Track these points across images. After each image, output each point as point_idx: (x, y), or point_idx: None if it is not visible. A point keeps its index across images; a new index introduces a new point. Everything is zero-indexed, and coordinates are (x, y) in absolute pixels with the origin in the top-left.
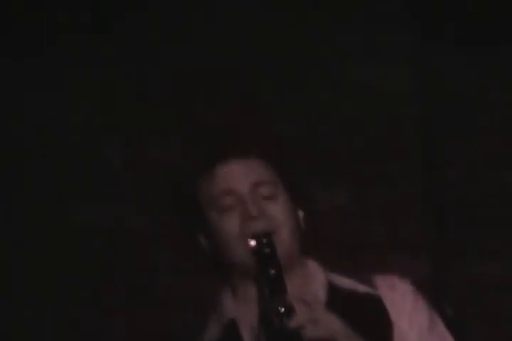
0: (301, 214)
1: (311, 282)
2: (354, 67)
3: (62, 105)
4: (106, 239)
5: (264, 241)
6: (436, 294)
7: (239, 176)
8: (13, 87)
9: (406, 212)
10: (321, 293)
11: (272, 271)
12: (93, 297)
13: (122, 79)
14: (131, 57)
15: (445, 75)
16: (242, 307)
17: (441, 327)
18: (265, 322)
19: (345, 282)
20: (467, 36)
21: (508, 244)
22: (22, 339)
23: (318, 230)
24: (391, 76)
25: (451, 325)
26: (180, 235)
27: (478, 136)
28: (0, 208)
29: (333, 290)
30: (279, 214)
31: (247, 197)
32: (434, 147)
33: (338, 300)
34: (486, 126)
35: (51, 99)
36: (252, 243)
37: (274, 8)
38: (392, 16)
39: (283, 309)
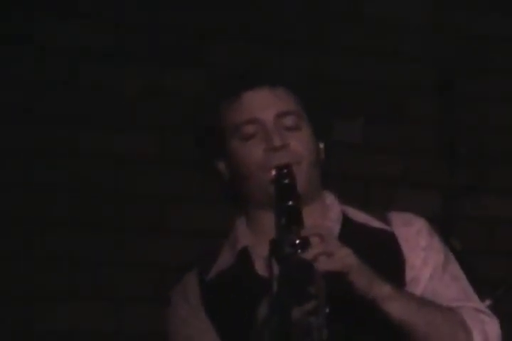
0: (321, 146)
1: (327, 214)
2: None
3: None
4: (118, 169)
5: (285, 171)
6: (446, 229)
7: (263, 105)
8: None
9: (419, 148)
10: (335, 225)
11: (290, 203)
12: (104, 229)
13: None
14: None
15: (462, 14)
16: (256, 237)
17: (455, 266)
18: (278, 253)
19: (360, 216)
20: None
21: None
22: None
23: (332, 163)
24: (411, 10)
25: (459, 259)
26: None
27: (492, 76)
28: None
29: (347, 223)
30: (302, 145)
31: (271, 126)
32: (449, 83)
33: (351, 234)
34: (501, 67)
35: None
36: (273, 173)
37: None
38: None
39: (298, 240)
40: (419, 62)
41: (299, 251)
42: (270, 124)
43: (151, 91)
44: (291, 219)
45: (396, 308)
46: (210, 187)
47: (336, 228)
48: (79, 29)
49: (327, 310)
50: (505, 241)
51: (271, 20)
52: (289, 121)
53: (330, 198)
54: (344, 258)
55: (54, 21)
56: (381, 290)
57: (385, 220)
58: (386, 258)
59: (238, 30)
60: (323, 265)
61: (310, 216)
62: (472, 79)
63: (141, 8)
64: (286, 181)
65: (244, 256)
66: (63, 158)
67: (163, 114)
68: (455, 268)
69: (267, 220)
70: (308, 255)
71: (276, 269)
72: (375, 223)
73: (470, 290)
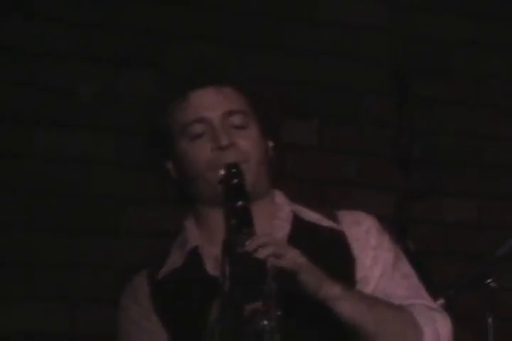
0: (270, 145)
1: (277, 213)
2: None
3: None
4: (71, 169)
5: (234, 170)
6: (398, 231)
7: (210, 104)
8: None
9: (374, 150)
10: (285, 224)
11: (239, 202)
12: (59, 229)
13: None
14: None
15: (417, 15)
16: (205, 237)
17: (405, 264)
18: (229, 253)
19: (310, 215)
20: None
21: (471, 185)
22: None
23: (285, 164)
24: (366, 12)
25: (411, 260)
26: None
27: (449, 79)
28: None
29: (297, 222)
30: (249, 143)
31: (218, 125)
32: (405, 86)
33: (301, 233)
34: (458, 69)
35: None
36: (221, 172)
37: None
38: None
39: (248, 241)
40: (375, 63)
41: (250, 251)
42: (217, 123)
43: (106, 92)
44: (241, 220)
45: (346, 308)
46: (163, 187)
47: (286, 227)
48: (34, 29)
49: (279, 313)
50: (458, 242)
51: (225, 20)
52: (236, 119)
53: (280, 197)
54: (294, 258)
55: (8, 21)
56: (331, 290)
57: (335, 219)
58: (336, 257)
59: (193, 31)
60: (273, 264)
61: (259, 214)
62: (428, 81)
63: (96, 9)
64: (235, 181)
65: (194, 256)
66: (18, 158)
67: (117, 115)
68: (405, 266)
69: (216, 220)
70: (258, 255)
71: (227, 269)
72: (325, 222)
73: (421, 288)
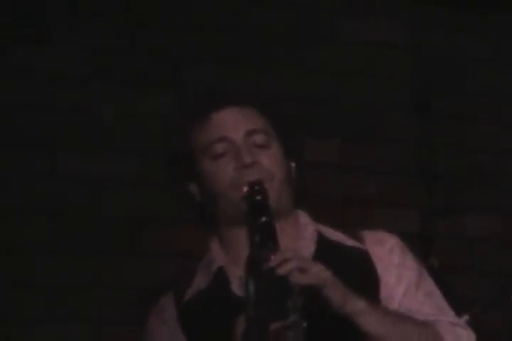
0: (293, 165)
1: (301, 233)
2: (346, 21)
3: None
4: (95, 192)
5: (257, 188)
6: (423, 248)
7: (233, 124)
8: None
9: (396, 168)
10: (310, 244)
11: (263, 218)
12: (81, 250)
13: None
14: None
15: (438, 33)
16: (231, 257)
17: (429, 282)
18: (253, 270)
19: (334, 234)
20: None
21: (493, 200)
22: None
23: (307, 183)
24: (388, 31)
25: (435, 277)
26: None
27: (470, 96)
28: None
29: (321, 241)
30: (272, 162)
31: (241, 144)
32: (427, 104)
33: (326, 252)
34: (478, 86)
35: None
36: (245, 190)
37: None
38: None
39: (272, 257)
40: (397, 82)
41: (274, 266)
42: (240, 142)
43: (128, 114)
44: (265, 235)
45: (371, 323)
46: (185, 208)
47: (311, 247)
48: (54, 52)
49: (304, 325)
50: (482, 258)
51: (245, 42)
52: (258, 138)
53: (304, 217)
54: (318, 272)
55: (30, 43)
56: (356, 305)
57: (359, 239)
58: (360, 276)
59: (213, 52)
60: (298, 279)
61: (283, 234)
62: (450, 100)
63: (116, 31)
64: (259, 197)
65: (220, 277)
66: (41, 180)
67: (140, 137)
68: (429, 284)
69: (241, 239)
70: (283, 270)
71: (252, 287)
72: (349, 242)
73: (445, 305)
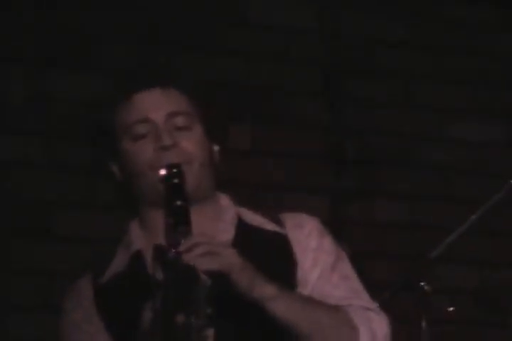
0: (216, 148)
1: (221, 216)
2: (256, 2)
3: None
4: (3, 174)
5: (174, 171)
6: (333, 233)
7: (154, 105)
8: None
9: (306, 152)
10: (230, 227)
11: (178, 202)
12: None
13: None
14: None
15: (347, 16)
16: (150, 239)
17: (346, 266)
18: (162, 255)
19: (255, 218)
20: None
21: (404, 186)
22: None
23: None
24: (297, 13)
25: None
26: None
27: (378, 78)
28: None
29: (241, 225)
30: (192, 145)
31: (162, 126)
32: (336, 89)
33: (245, 237)
34: (389, 69)
35: None
36: (162, 172)
37: None
38: None
39: (183, 240)
40: (306, 64)
41: (182, 251)
42: (161, 124)
43: (37, 94)
44: (178, 220)
45: (279, 308)
46: (97, 191)
47: (231, 231)
48: None
49: (208, 311)
50: (391, 243)
51: (159, 22)
52: (179, 121)
53: (225, 200)
54: (226, 257)
55: None
56: (264, 290)
57: (279, 222)
58: (279, 261)
59: (126, 31)
60: (204, 265)
61: (203, 217)
62: (359, 81)
63: (27, 9)
64: (176, 181)
65: (137, 259)
66: None
67: (48, 118)
68: (346, 267)
69: (159, 221)
70: (189, 256)
71: (160, 273)
72: (269, 226)
73: (360, 288)
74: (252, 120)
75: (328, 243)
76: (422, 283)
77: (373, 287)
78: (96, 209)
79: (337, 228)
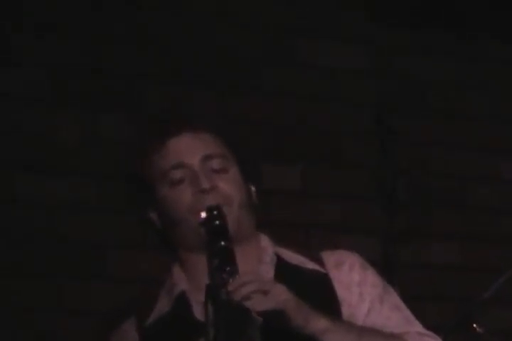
0: (253, 189)
1: (262, 256)
2: (311, 43)
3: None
4: (56, 215)
5: (215, 213)
6: (386, 275)
7: (189, 150)
8: None
9: (358, 194)
10: (269, 268)
11: (222, 243)
12: (46, 273)
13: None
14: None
15: (395, 57)
16: (192, 282)
17: (393, 296)
18: (212, 295)
19: (294, 258)
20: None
21: (455, 227)
22: None
23: (271, 209)
24: (344, 55)
25: None
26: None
27: (433, 121)
28: None
29: (281, 265)
30: (230, 187)
31: (198, 170)
32: (390, 127)
33: (285, 276)
34: (441, 112)
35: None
36: (203, 215)
37: None
38: None
39: (231, 280)
40: (360, 107)
41: (232, 291)
42: (197, 168)
43: (87, 137)
44: (223, 260)
45: (336, 339)
46: (147, 234)
47: (270, 270)
48: (16, 75)
49: None
50: (445, 285)
51: (202, 64)
52: (215, 163)
53: (264, 240)
54: (279, 295)
55: None
56: (319, 324)
57: (318, 261)
58: (321, 298)
59: (168, 74)
60: (258, 305)
61: (244, 258)
62: (414, 123)
63: (76, 54)
64: (217, 222)
65: (181, 302)
66: (1, 203)
67: (100, 160)
68: (394, 298)
69: (201, 264)
70: (243, 292)
71: (211, 312)
72: (309, 264)
73: (411, 317)
74: (304, 162)
75: (371, 275)
76: (475, 325)
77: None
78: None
79: (389, 270)
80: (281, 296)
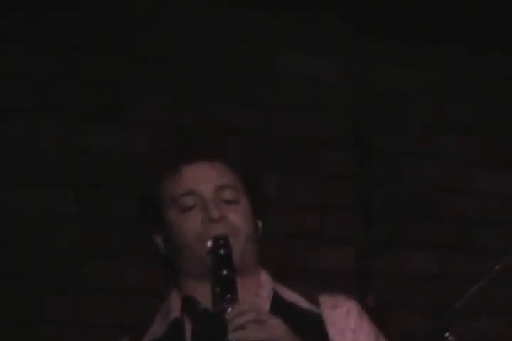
0: (259, 224)
1: (260, 290)
2: (289, 55)
3: None
4: (37, 226)
5: (221, 242)
6: (362, 283)
7: (203, 178)
8: None
9: (336, 204)
10: (265, 302)
11: (225, 272)
12: (24, 285)
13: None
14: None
15: (373, 69)
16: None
17: None
18: (211, 322)
19: (291, 295)
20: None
21: (431, 236)
22: None
23: None
24: (323, 67)
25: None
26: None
27: (406, 130)
28: None
29: (277, 301)
30: (239, 218)
31: (210, 199)
32: (366, 140)
33: (279, 311)
34: (416, 124)
35: None
36: (209, 244)
37: None
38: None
39: (230, 309)
40: (337, 118)
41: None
42: (209, 196)
43: (71, 148)
44: (225, 288)
45: None
46: (130, 244)
47: (266, 305)
48: None
49: None
50: (421, 294)
51: (189, 76)
52: (227, 194)
53: (264, 276)
54: (275, 327)
55: None
56: None
57: (315, 302)
58: (312, 338)
59: (159, 86)
60: (252, 335)
61: (244, 291)
62: (390, 134)
63: (61, 65)
64: (222, 251)
65: (176, 327)
66: None
67: (82, 171)
68: None
69: (201, 291)
70: (240, 321)
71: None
72: (304, 304)
73: None
74: (281, 172)
75: (367, 324)
76: (447, 334)
77: (404, 338)
78: (127, 261)
79: (365, 278)
80: (276, 329)
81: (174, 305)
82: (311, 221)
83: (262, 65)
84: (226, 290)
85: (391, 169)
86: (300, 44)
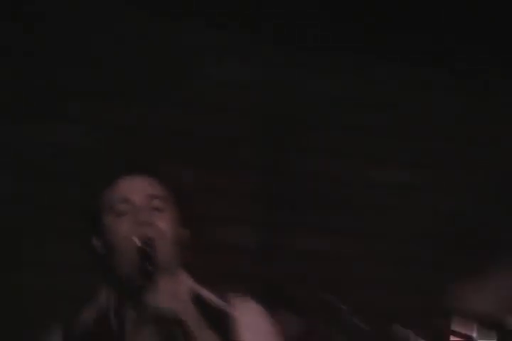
0: (186, 233)
1: (179, 287)
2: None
3: None
4: None
5: (148, 242)
6: (264, 264)
7: (136, 188)
8: None
9: (246, 190)
10: (188, 305)
11: (150, 267)
12: None
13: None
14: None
15: (290, 73)
16: (118, 299)
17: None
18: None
19: (205, 292)
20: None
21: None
22: None
23: None
24: (233, 66)
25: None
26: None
27: (314, 129)
28: None
29: (194, 296)
30: (165, 225)
31: (140, 205)
32: (272, 134)
33: (197, 306)
34: (326, 118)
35: None
36: (137, 242)
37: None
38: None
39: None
40: (246, 116)
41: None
42: (140, 204)
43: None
44: (144, 281)
45: None
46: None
47: (190, 308)
48: None
49: None
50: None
51: (111, 75)
52: (156, 203)
53: (183, 275)
54: (182, 310)
55: None
56: None
57: (226, 300)
58: (220, 334)
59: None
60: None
61: (164, 288)
62: (299, 133)
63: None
64: (148, 249)
65: (104, 316)
66: None
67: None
68: None
69: (129, 283)
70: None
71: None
72: (216, 300)
73: None
74: (196, 165)
75: (266, 323)
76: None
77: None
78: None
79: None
80: (184, 311)
81: (106, 297)
82: (223, 205)
83: (176, 67)
84: (145, 282)
85: (298, 163)
86: (211, 45)
